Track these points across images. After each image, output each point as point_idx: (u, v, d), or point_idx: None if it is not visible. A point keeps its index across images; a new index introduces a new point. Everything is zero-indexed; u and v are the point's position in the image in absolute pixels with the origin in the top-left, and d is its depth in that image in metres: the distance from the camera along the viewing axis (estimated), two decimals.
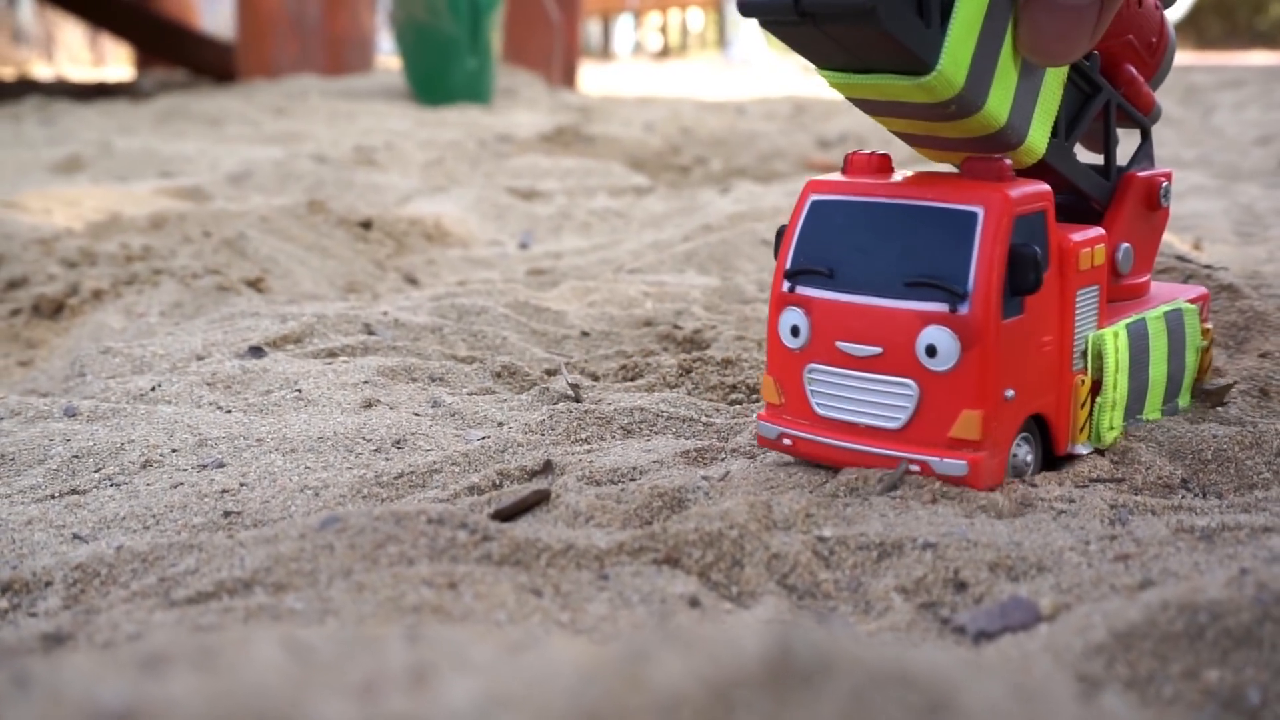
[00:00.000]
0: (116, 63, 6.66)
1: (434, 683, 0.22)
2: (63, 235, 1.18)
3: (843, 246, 0.56)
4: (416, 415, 0.70)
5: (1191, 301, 0.66)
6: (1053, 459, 0.59)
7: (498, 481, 0.58)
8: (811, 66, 0.55)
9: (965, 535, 0.49)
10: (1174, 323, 0.64)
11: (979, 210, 0.53)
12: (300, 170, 1.76)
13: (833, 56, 0.53)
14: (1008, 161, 0.55)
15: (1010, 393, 0.54)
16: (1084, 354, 0.59)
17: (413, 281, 1.22)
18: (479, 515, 0.50)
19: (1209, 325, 0.68)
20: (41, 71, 5.64)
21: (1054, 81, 0.58)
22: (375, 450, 0.64)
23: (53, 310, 1.02)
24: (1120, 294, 0.64)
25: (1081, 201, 0.64)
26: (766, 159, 2.26)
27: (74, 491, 0.61)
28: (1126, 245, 0.64)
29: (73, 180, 1.80)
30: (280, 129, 2.47)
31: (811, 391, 0.57)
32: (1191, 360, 0.66)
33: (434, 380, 0.78)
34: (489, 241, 1.46)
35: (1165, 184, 0.66)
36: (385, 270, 1.25)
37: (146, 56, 4.65)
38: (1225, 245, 1.23)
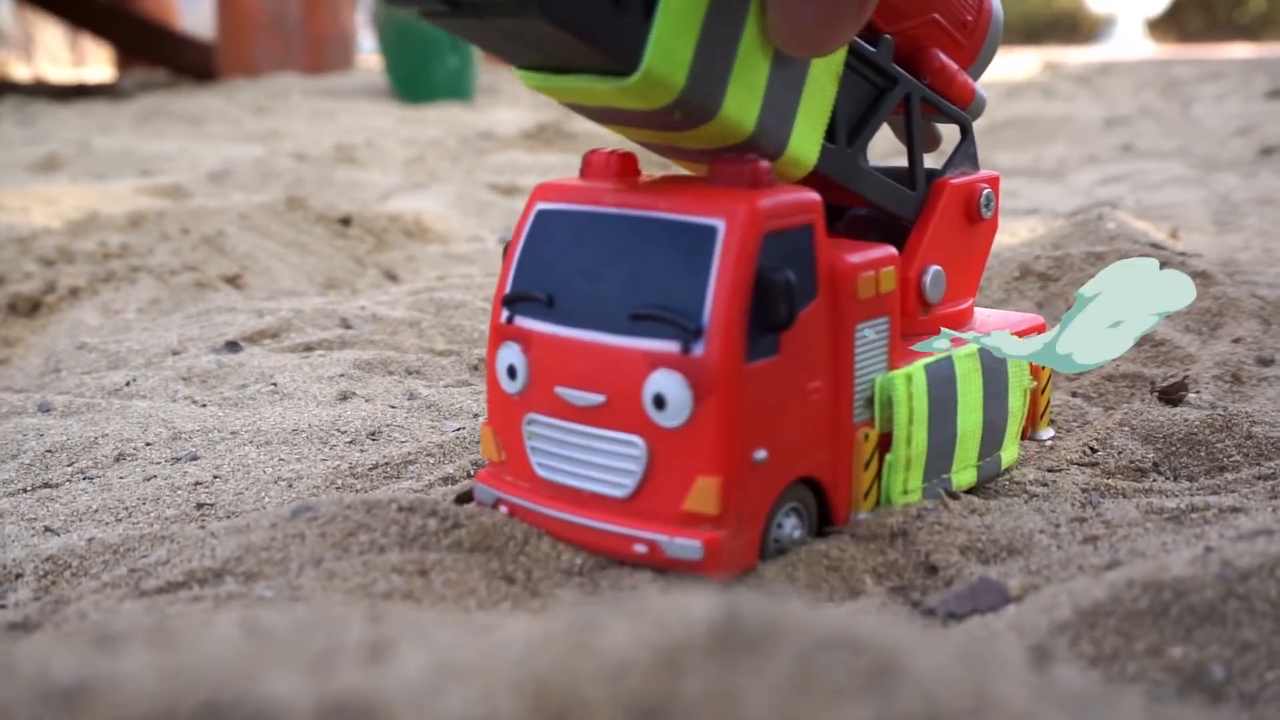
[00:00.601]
0: (96, 63, 6.63)
1: (388, 657, 0.22)
2: (40, 234, 1.17)
3: (566, 268, 0.46)
4: (392, 408, 0.70)
5: (1020, 334, 0.54)
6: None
7: (472, 472, 0.58)
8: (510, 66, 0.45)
9: (937, 519, 0.49)
10: (991, 361, 0.52)
11: (719, 224, 0.43)
12: (280, 168, 1.76)
13: (520, 53, 0.43)
14: (764, 163, 0.44)
15: (761, 454, 0.44)
16: (869, 402, 0.48)
17: (392, 277, 1.21)
18: (450, 503, 0.50)
19: None
20: (20, 72, 5.62)
21: (823, 74, 0.46)
22: (350, 442, 0.64)
23: (29, 308, 1.02)
24: (932, 327, 0.53)
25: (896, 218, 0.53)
26: None
27: (46, 485, 0.60)
28: (936, 268, 0.53)
29: (51, 179, 1.79)
30: (261, 128, 2.47)
31: (531, 448, 0.47)
32: (1017, 405, 0.54)
33: (410, 373, 0.78)
34: (469, 237, 1.45)
35: (987, 190, 0.55)
36: (365, 266, 1.25)
37: (126, 57, 4.64)
38: (1202, 234, 1.24)
